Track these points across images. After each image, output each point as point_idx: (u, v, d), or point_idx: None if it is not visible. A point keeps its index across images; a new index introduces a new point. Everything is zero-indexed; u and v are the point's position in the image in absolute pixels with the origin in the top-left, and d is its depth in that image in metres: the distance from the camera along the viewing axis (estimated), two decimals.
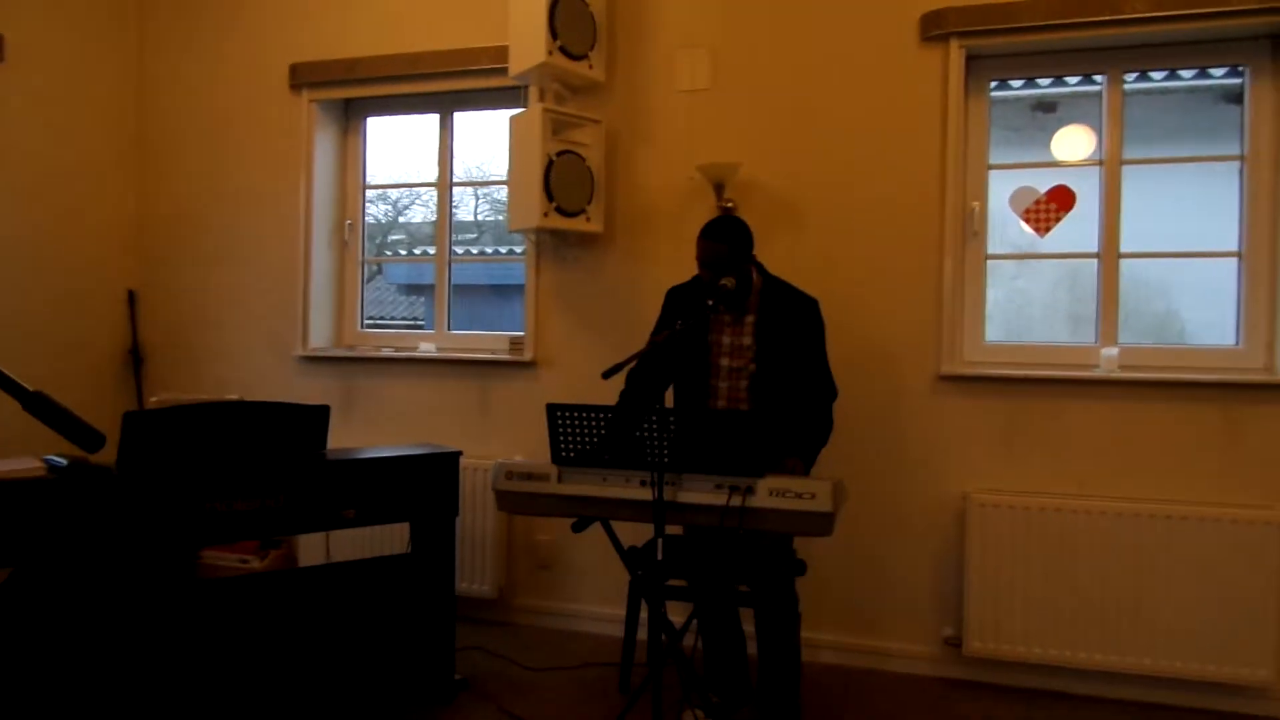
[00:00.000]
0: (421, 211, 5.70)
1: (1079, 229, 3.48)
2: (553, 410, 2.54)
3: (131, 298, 4.56)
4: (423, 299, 5.80)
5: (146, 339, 4.56)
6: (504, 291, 5.46)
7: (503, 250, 5.33)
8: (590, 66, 3.72)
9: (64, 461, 2.63)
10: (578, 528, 2.70)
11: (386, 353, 4.24)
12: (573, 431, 2.54)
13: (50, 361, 4.14)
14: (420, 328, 4.76)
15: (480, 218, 6.12)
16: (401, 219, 6.41)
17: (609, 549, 2.76)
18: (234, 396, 4.26)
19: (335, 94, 4.31)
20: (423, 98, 4.26)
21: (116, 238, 4.53)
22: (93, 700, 2.53)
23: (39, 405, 1.02)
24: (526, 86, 3.85)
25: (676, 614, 2.94)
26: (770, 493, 2.39)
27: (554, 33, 3.55)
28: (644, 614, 2.90)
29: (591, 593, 3.87)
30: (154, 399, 4.44)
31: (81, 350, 4.35)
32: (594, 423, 2.52)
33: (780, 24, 3.65)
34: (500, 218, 5.38)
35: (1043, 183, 3.53)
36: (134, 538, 2.56)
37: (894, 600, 3.50)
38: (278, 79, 4.34)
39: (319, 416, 2.91)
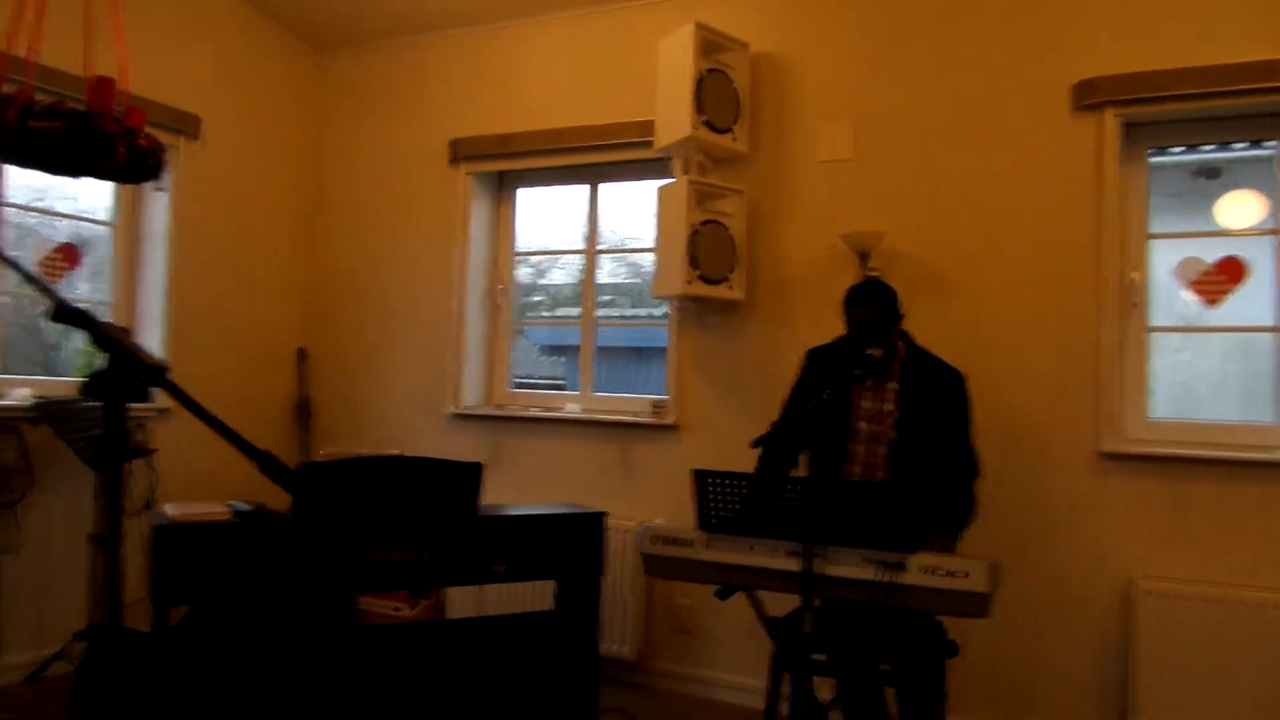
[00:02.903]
0: (560, 274, 5.91)
1: (1249, 299, 3.30)
2: (700, 476, 2.58)
3: (301, 355, 4.91)
4: (563, 359, 5.99)
5: (314, 395, 4.89)
6: (642, 354, 5.58)
7: (640, 313, 5.46)
8: (734, 139, 3.83)
9: (247, 507, 2.85)
10: (722, 595, 2.71)
11: (534, 413, 4.40)
12: (719, 497, 2.57)
13: (229, 414, 4.42)
14: (560, 388, 4.91)
15: (618, 281, 6.28)
16: (541, 281, 6.64)
17: (749, 616, 2.76)
18: (394, 451, 4.50)
19: (490, 166, 4.57)
20: (570, 170, 4.47)
21: (290, 300, 4.91)
22: None
23: (265, 462, 1.15)
24: (670, 159, 3.99)
25: (818, 689, 2.89)
26: (922, 570, 2.34)
27: (699, 108, 3.68)
28: (786, 686, 2.87)
29: (731, 661, 3.84)
30: (322, 451, 4.74)
31: (256, 404, 4.70)
32: (740, 489, 2.54)
33: (923, 95, 3.66)
34: (637, 281, 5.52)
35: (1208, 251, 3.38)
36: (305, 580, 2.73)
37: (1049, 688, 3.33)
38: (438, 153, 4.64)
39: (473, 473, 3.04)
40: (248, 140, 4.67)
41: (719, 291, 3.76)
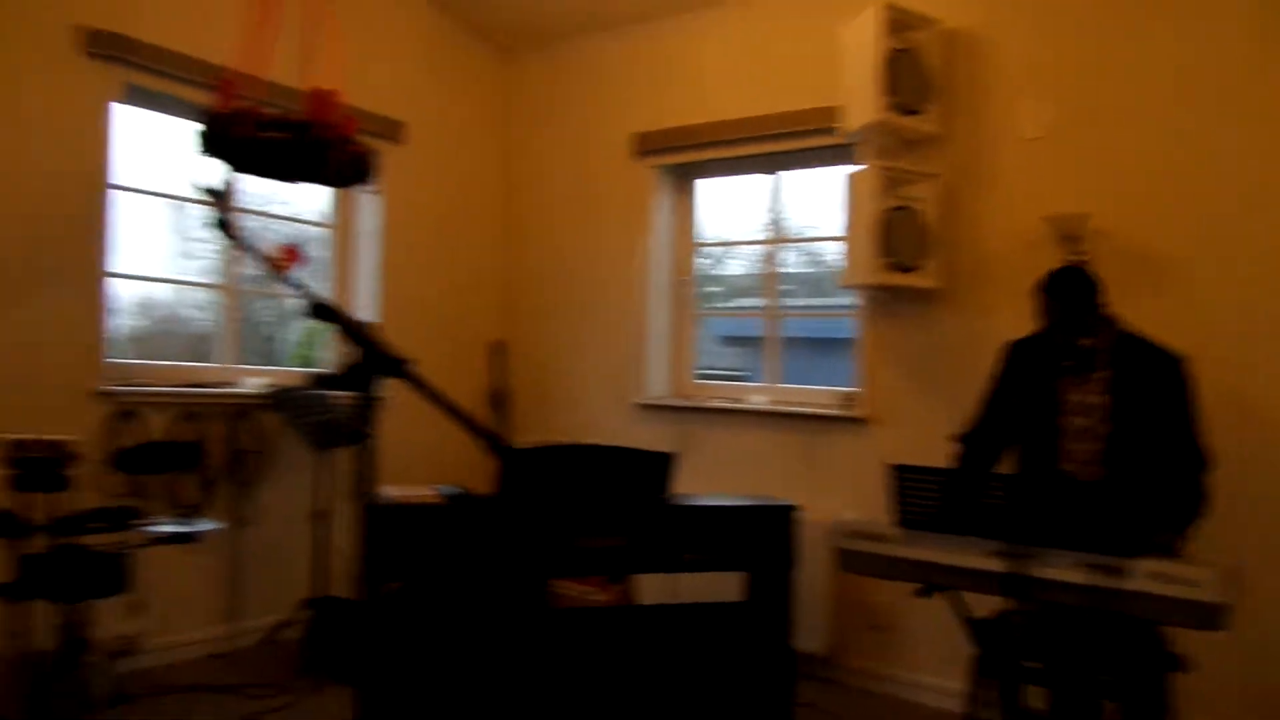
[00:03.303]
0: (736, 264, 5.88)
1: None
2: (899, 471, 2.51)
3: (498, 347, 5.15)
4: (743, 350, 5.97)
5: (510, 385, 5.11)
6: (822, 345, 5.48)
7: (821, 303, 5.36)
8: (926, 120, 3.69)
9: (455, 490, 3.02)
10: (923, 594, 2.62)
11: (719, 404, 4.42)
12: (918, 493, 2.49)
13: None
14: (740, 379, 4.90)
15: (798, 270, 6.18)
16: (719, 271, 6.63)
17: (946, 615, 2.66)
18: (589, 440, 4.65)
19: (673, 159, 4.62)
20: (751, 159, 4.43)
21: (487, 293, 5.16)
22: (459, 706, 2.85)
23: (495, 444, 1.22)
24: (857, 144, 3.88)
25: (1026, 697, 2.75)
26: (1147, 575, 2.18)
27: (888, 90, 3.56)
28: (989, 692, 2.75)
29: (928, 660, 3.71)
30: (530, 438, 4.96)
31: (456, 394, 4.94)
32: (940, 485, 2.45)
33: (1132, 65, 3.39)
34: (817, 270, 5.42)
35: None
36: (506, 562, 2.86)
37: None
38: (622, 148, 4.73)
39: (666, 463, 3.09)
40: (446, 142, 4.94)
41: (911, 280, 3.64)
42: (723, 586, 3.49)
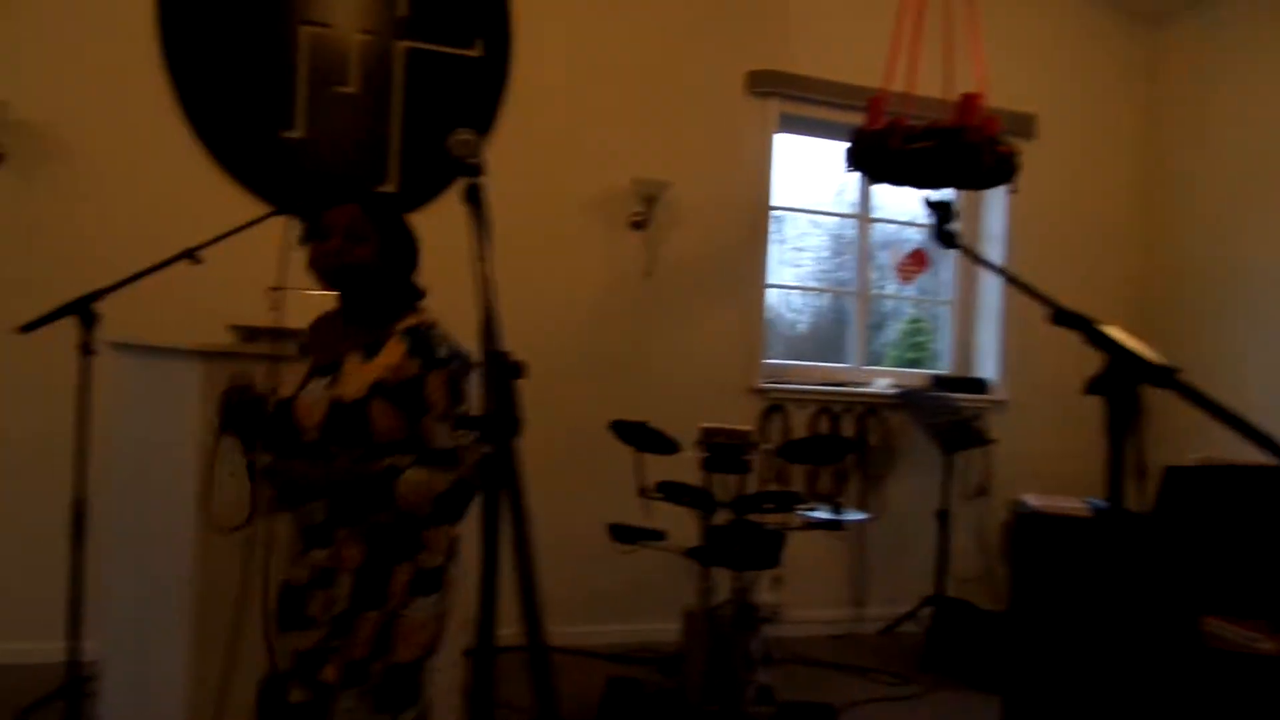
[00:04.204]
0: None
1: None
2: None
3: None
4: None
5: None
6: None
7: None
8: None
9: (1104, 504, 2.79)
10: None
11: None
12: None
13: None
14: None
15: None
16: None
17: None
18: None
19: None
20: None
21: (1122, 292, 4.68)
22: None
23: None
24: None
25: None
26: None
27: None
28: None
29: None
30: (1193, 456, 4.42)
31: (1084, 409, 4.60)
32: None
33: None
34: None
35: None
36: (1157, 589, 2.56)
37: None
38: None
39: None
40: (1080, 131, 4.62)
41: None
42: None
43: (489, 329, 1.00)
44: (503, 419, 0.94)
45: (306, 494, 1.62)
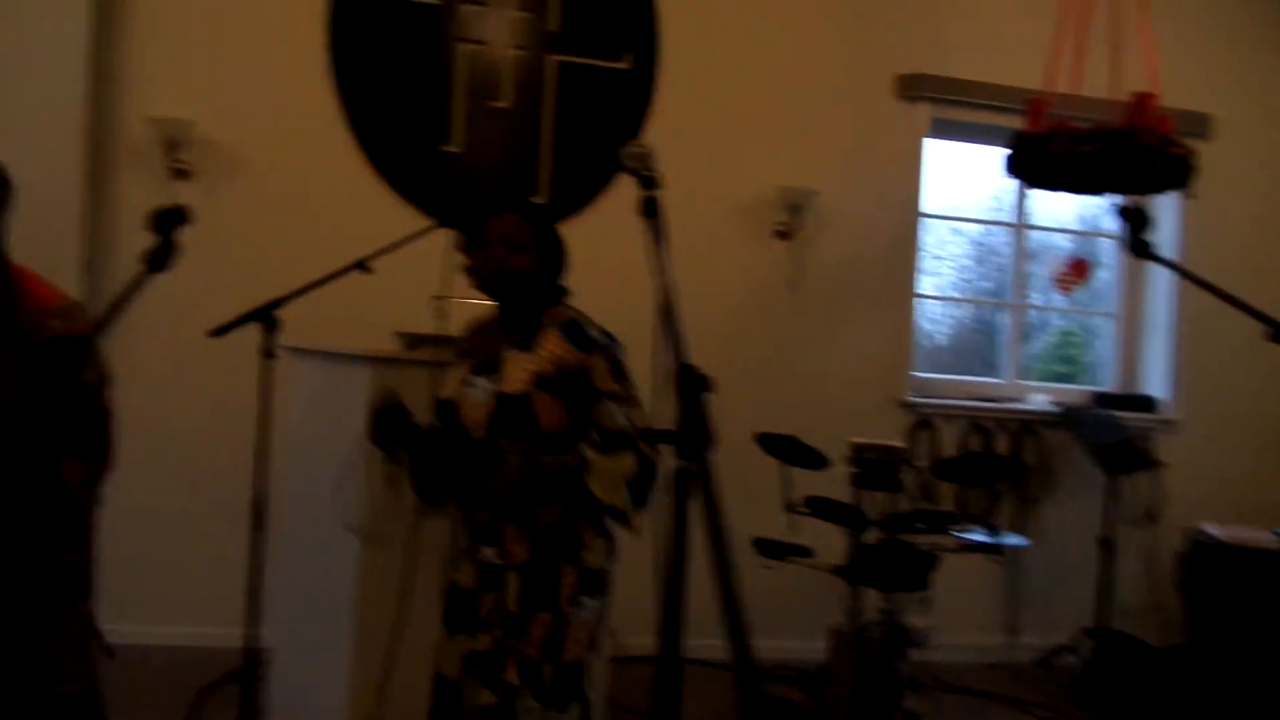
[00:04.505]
0: None
1: None
2: None
3: None
4: None
5: None
6: None
7: None
8: None
9: None
10: None
11: None
12: None
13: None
14: None
15: None
16: None
17: None
18: None
19: None
20: None
21: None
22: None
23: None
24: None
25: None
26: None
27: None
28: None
29: None
30: None
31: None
32: None
33: None
34: None
35: None
36: None
37: None
38: None
39: None
40: (1262, 131, 4.26)
41: None
42: None
43: (675, 342, 0.99)
44: (695, 433, 0.93)
45: (515, 496, 1.65)
